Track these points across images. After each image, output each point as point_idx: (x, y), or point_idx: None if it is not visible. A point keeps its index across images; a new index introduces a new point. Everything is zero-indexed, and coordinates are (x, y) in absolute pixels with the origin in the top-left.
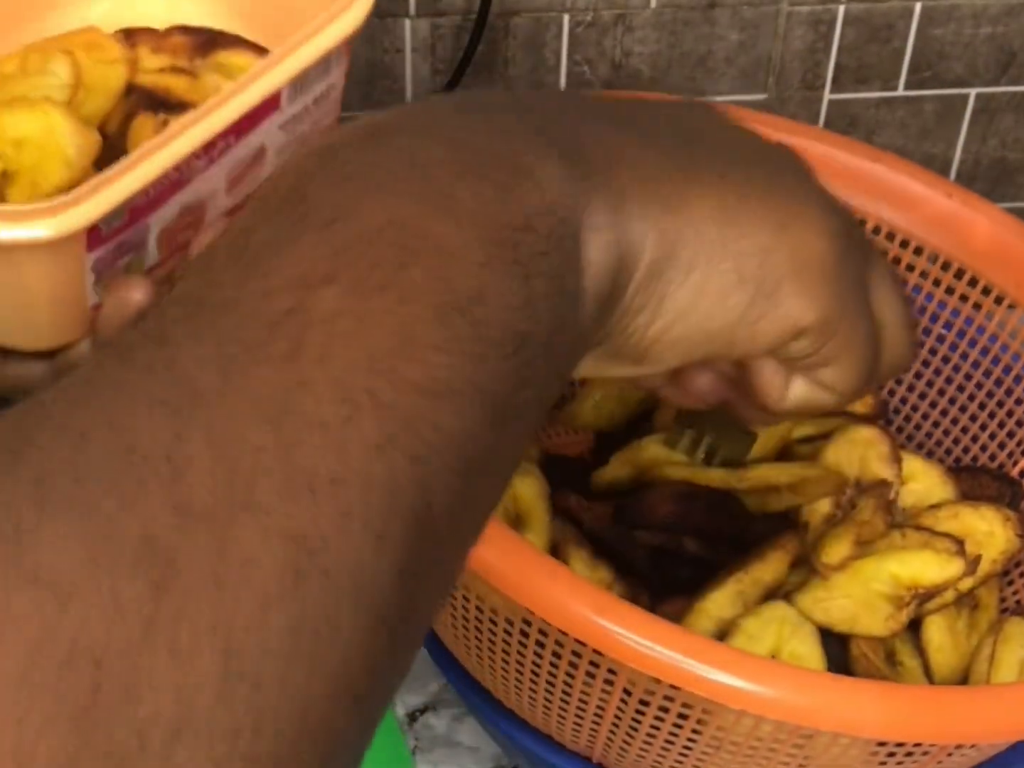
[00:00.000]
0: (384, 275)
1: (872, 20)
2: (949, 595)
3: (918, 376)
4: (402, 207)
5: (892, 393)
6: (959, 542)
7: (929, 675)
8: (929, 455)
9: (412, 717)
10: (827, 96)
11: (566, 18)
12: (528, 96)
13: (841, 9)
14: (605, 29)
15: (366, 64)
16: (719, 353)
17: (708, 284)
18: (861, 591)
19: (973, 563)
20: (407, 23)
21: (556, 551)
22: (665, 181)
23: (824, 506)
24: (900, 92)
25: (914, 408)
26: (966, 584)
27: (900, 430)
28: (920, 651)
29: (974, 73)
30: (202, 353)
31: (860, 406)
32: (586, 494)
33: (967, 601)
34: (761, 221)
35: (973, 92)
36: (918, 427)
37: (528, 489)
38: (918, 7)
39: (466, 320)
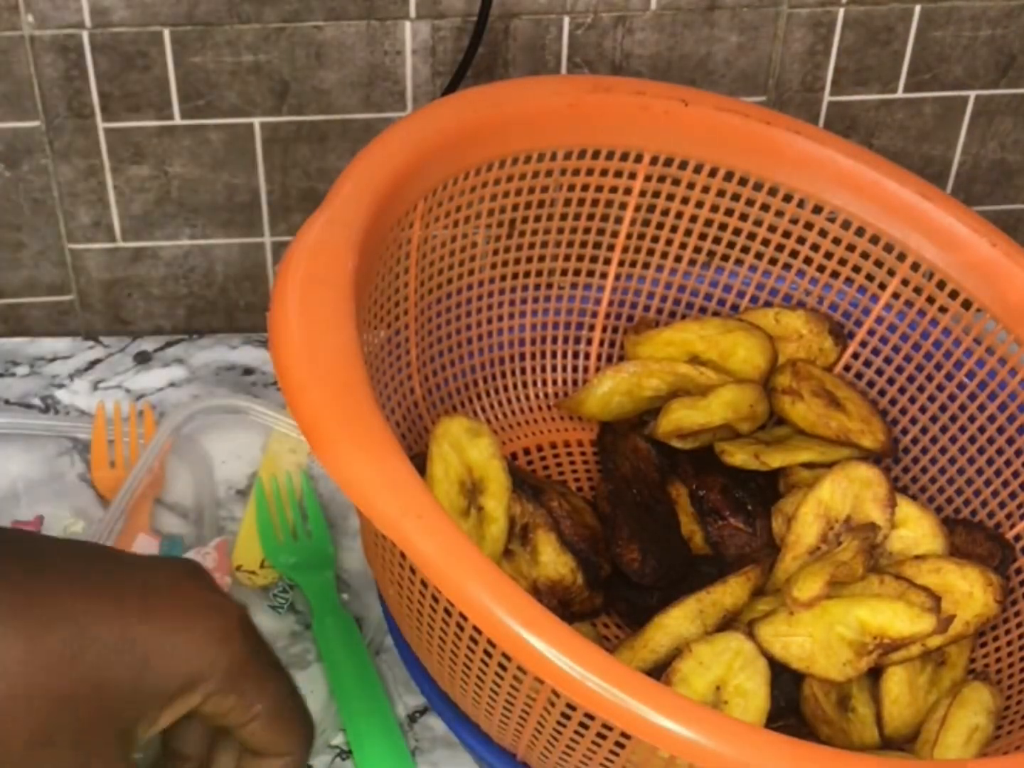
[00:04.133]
0: None
1: (872, 22)
2: (915, 649)
3: (933, 419)
4: None
5: (905, 432)
6: (936, 598)
7: (880, 726)
8: (930, 500)
9: (412, 718)
10: (827, 98)
11: (566, 20)
12: None
13: (841, 11)
14: (605, 31)
15: (366, 66)
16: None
17: None
18: (824, 633)
19: (945, 622)
20: (407, 25)
21: (524, 530)
22: None
23: (809, 537)
24: (900, 94)
25: (924, 450)
26: (934, 642)
27: (906, 470)
28: (876, 700)
29: (973, 75)
30: None
31: (870, 441)
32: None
33: (934, 657)
34: None
35: (972, 94)
36: (924, 470)
37: (479, 452)
38: (918, 9)
39: None
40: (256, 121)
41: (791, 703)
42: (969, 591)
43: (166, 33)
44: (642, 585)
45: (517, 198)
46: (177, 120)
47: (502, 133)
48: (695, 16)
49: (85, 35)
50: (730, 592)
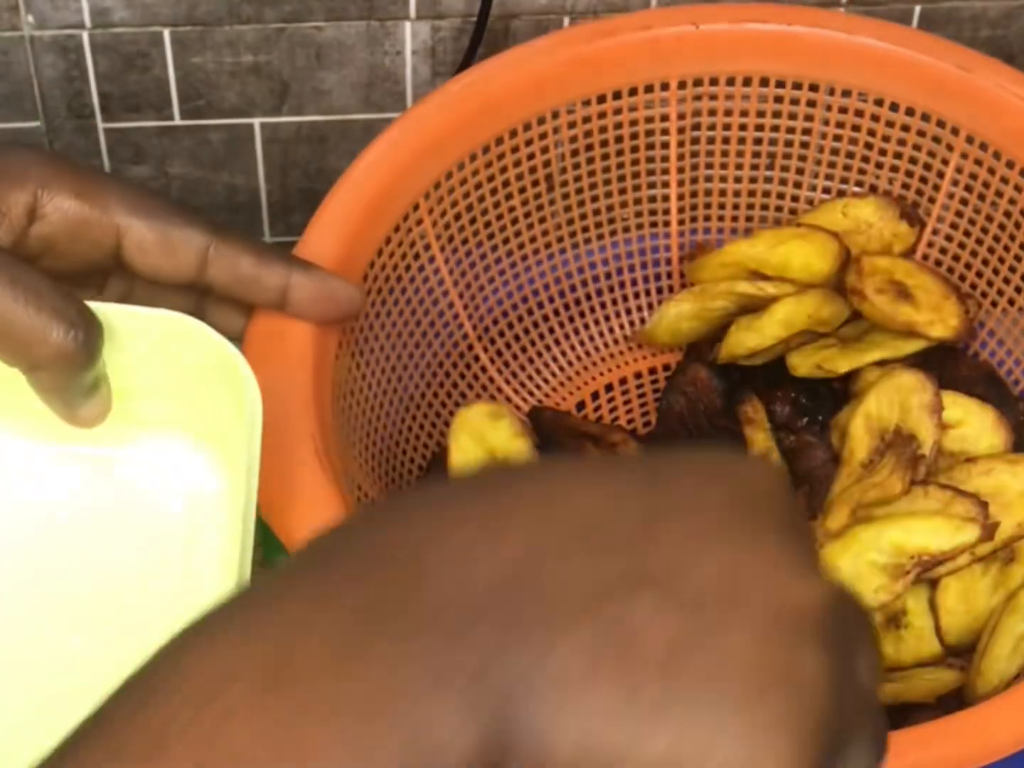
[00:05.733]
0: None
1: None
2: (963, 559)
3: (1018, 290)
4: None
5: (994, 304)
6: (983, 504)
7: (940, 636)
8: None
9: None
10: None
11: (566, 20)
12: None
13: (841, 12)
14: None
15: (366, 67)
16: None
17: None
18: (852, 562)
19: (989, 529)
20: (407, 26)
21: None
22: (614, 734)
23: (861, 452)
24: None
25: (1014, 321)
26: (984, 549)
27: (1001, 343)
28: (934, 611)
29: None
30: None
31: (940, 330)
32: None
33: (1001, 555)
34: None
35: None
36: (1009, 352)
37: (500, 435)
38: (918, 9)
39: None
40: (256, 121)
41: None
42: (1021, 490)
43: (166, 33)
44: None
45: (545, 155)
46: (177, 120)
47: (506, 106)
48: None
49: (85, 35)
50: None
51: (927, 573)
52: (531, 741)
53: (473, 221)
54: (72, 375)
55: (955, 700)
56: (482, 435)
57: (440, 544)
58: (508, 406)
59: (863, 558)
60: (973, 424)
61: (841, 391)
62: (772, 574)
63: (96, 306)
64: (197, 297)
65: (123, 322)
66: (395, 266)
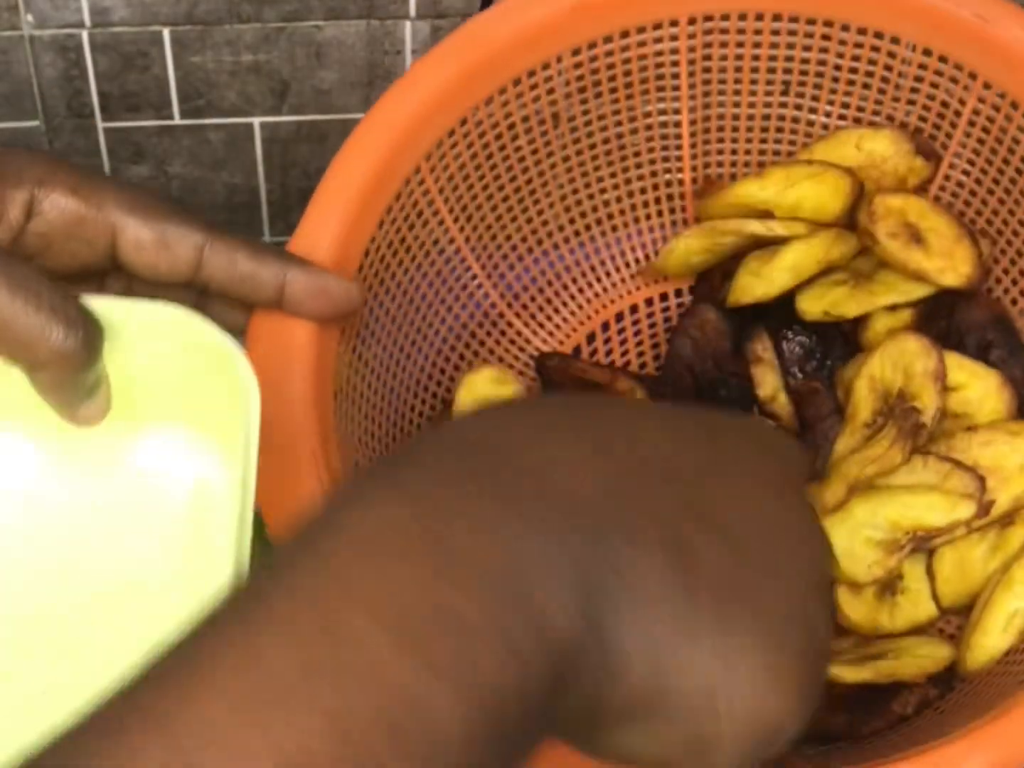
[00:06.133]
0: None
1: None
2: (959, 532)
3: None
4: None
5: (1010, 243)
6: (980, 479)
7: (937, 600)
8: None
9: None
10: None
11: None
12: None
13: None
14: None
15: (366, 65)
16: None
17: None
18: (847, 539)
19: (985, 507)
20: (407, 25)
21: None
22: (670, 643)
23: (864, 412)
24: None
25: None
26: (980, 523)
27: (1014, 301)
28: (931, 575)
29: None
30: None
31: (951, 278)
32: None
33: (999, 520)
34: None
35: None
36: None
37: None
38: None
39: None
40: (256, 121)
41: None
42: (1021, 464)
43: (166, 33)
44: None
45: (551, 96)
46: (177, 120)
47: (510, 55)
48: None
49: (85, 35)
50: None
51: (922, 545)
52: (604, 640)
53: (478, 168)
54: (72, 375)
55: (946, 675)
56: (486, 398)
57: (543, 450)
58: (512, 372)
59: (858, 534)
60: (976, 388)
61: (852, 334)
62: (806, 540)
63: (94, 300)
64: (196, 297)
65: (121, 315)
66: (398, 229)
